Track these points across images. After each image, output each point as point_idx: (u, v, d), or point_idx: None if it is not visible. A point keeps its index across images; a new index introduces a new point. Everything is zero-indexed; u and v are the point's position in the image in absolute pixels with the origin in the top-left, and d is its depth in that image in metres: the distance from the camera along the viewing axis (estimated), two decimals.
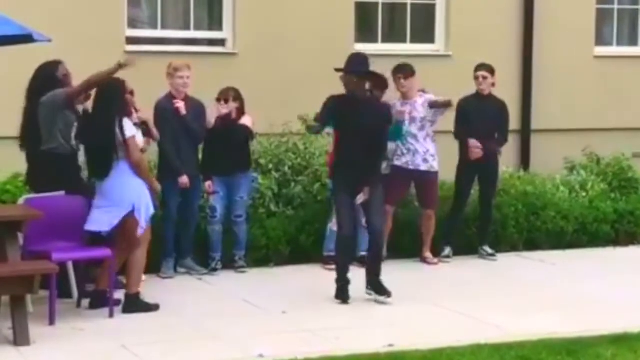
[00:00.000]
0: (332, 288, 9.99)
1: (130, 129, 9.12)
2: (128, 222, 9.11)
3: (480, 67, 11.77)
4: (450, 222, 11.81)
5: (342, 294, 9.79)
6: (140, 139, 9.32)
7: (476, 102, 11.62)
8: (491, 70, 11.75)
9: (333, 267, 10.83)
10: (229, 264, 10.90)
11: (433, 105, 11.28)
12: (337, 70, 10.15)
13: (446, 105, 11.28)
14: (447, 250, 11.70)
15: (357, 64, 10.07)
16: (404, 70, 11.55)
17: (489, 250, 11.81)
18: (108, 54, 10.85)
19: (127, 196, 9.11)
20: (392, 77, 11.34)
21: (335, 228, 10.89)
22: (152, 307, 9.26)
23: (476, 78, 11.70)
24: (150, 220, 9.34)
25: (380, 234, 10.07)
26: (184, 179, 10.43)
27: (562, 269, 11.48)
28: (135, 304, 9.21)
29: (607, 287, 10.49)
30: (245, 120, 10.83)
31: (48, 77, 9.65)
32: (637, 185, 13.48)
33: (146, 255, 9.34)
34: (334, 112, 9.96)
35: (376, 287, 9.83)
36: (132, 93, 9.46)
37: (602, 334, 8.52)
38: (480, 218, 11.98)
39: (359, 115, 9.78)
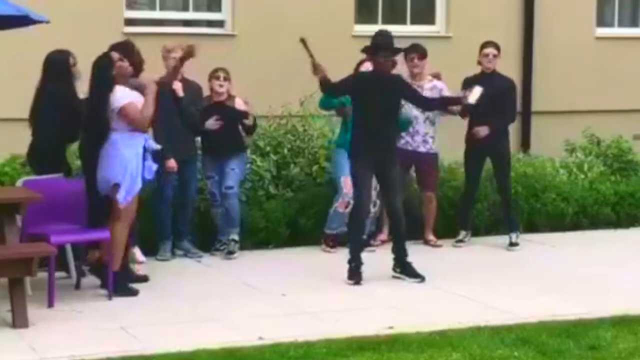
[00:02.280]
0: (332, 270, 10.11)
1: (120, 98, 9.15)
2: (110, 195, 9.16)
3: (488, 44, 11.68)
4: (462, 205, 11.80)
5: (356, 276, 9.84)
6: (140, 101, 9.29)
7: (483, 79, 11.33)
8: (498, 48, 11.67)
9: (333, 249, 10.89)
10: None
11: (447, 102, 11.12)
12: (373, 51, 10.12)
13: (458, 103, 11.02)
14: (462, 235, 11.68)
15: (390, 44, 10.14)
16: (419, 51, 11.54)
17: (513, 239, 11.61)
18: (106, 36, 10.87)
19: (111, 169, 9.11)
20: (403, 56, 11.31)
21: (341, 209, 10.92)
22: (133, 292, 9.23)
23: (485, 55, 11.58)
24: (138, 197, 9.34)
25: (401, 214, 10.12)
26: (171, 163, 10.38)
27: (563, 252, 11.49)
28: (117, 283, 9.18)
29: (608, 270, 10.49)
30: (239, 104, 10.79)
31: (62, 64, 9.77)
32: (638, 167, 13.53)
33: (127, 232, 9.31)
34: (357, 87, 10.04)
35: (407, 269, 9.96)
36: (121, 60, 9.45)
37: (603, 316, 8.54)
38: (500, 204, 11.91)
39: (383, 92, 9.90)
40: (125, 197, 9.10)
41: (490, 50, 11.60)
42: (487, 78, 11.33)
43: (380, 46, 10.07)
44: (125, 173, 9.09)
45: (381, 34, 10.32)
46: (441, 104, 11.01)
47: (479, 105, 10.39)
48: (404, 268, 9.98)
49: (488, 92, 10.56)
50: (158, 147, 9.41)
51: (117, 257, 9.21)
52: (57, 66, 9.78)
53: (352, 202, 10.69)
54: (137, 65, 9.47)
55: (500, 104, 11.41)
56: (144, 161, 9.22)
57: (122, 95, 9.17)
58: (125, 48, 9.50)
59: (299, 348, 7.54)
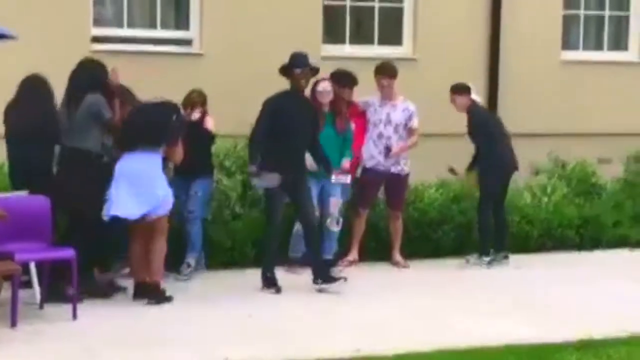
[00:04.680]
0: (298, 290, 10.16)
1: None
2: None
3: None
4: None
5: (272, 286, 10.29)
6: None
7: None
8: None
9: (298, 270, 10.87)
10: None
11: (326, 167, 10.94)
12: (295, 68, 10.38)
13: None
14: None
15: (305, 61, 10.48)
16: (388, 71, 11.62)
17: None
18: (74, 53, 10.81)
19: (159, 187, 9.57)
20: (374, 76, 11.51)
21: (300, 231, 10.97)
22: (168, 299, 9.64)
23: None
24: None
25: (314, 224, 10.55)
26: None
27: (527, 273, 11.52)
28: (154, 293, 9.59)
29: (572, 291, 10.58)
30: (208, 124, 10.76)
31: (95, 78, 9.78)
32: (602, 190, 13.57)
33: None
34: (274, 109, 10.33)
35: (327, 277, 10.28)
36: None
37: (567, 340, 8.57)
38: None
39: (297, 112, 10.31)
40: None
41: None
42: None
43: (295, 64, 10.36)
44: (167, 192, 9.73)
45: (298, 54, 10.58)
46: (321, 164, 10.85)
47: None
48: (324, 277, 10.19)
49: None
50: None
51: (159, 270, 9.74)
52: (34, 87, 9.78)
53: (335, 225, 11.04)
54: None
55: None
56: None
57: None
58: None
59: None
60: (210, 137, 10.77)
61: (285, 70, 10.42)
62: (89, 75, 9.81)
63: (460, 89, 11.81)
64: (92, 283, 9.73)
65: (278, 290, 10.17)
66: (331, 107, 11.13)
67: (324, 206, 11.18)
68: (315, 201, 10.92)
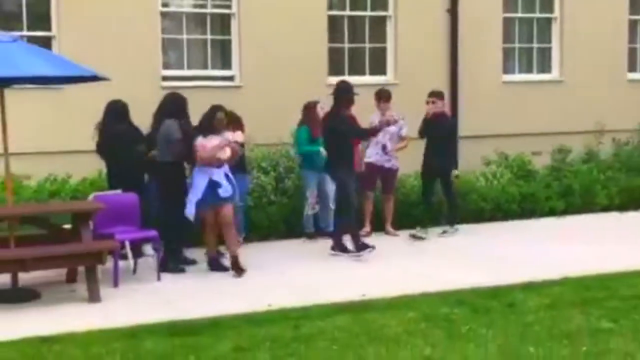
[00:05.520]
0: (315, 253, 10.23)
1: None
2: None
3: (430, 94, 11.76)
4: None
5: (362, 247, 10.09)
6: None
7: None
8: (437, 95, 11.77)
9: (313, 241, 10.98)
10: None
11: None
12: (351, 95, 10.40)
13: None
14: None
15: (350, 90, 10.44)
16: (385, 94, 11.71)
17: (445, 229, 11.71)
18: (150, 88, 10.91)
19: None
20: (375, 99, 11.66)
21: (310, 212, 11.13)
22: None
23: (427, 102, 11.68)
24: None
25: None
26: None
27: (483, 237, 11.53)
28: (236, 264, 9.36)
29: (517, 249, 10.59)
30: (238, 137, 10.32)
31: (175, 105, 9.73)
32: (535, 174, 13.58)
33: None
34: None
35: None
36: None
37: (516, 283, 8.63)
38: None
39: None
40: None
41: (429, 99, 11.66)
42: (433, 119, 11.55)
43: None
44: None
45: (347, 82, 10.62)
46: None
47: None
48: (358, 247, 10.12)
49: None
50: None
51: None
52: (117, 110, 9.82)
53: (316, 207, 11.14)
54: None
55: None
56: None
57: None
58: None
59: (297, 312, 7.58)
60: (241, 146, 10.49)
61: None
62: (168, 105, 9.74)
63: (441, 95, 11.77)
64: (177, 259, 9.62)
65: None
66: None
67: (325, 194, 11.23)
68: (315, 188, 11.07)
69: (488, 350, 6.40)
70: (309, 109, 11.21)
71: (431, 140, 11.61)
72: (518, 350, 6.39)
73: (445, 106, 11.80)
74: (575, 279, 8.78)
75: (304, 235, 11.26)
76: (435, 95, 11.72)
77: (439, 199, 11.97)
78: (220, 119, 9.57)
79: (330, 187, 11.08)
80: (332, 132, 10.27)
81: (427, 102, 11.63)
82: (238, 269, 9.27)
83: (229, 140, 9.60)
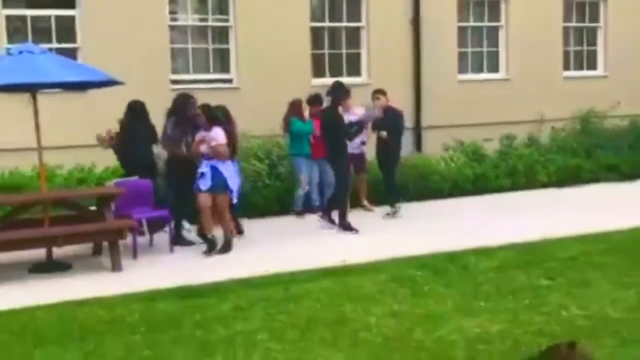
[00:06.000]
0: (303, 229, 10.15)
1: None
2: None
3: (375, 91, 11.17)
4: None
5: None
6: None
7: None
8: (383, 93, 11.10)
9: (301, 216, 10.94)
10: None
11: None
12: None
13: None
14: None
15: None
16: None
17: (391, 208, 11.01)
18: (160, 91, 10.86)
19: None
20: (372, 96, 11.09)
21: (301, 193, 11.03)
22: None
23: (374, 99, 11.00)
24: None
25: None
26: None
27: (442, 212, 11.41)
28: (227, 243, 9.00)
29: (471, 220, 10.53)
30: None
31: (181, 105, 9.57)
32: (486, 158, 13.48)
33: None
34: None
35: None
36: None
37: (468, 248, 8.60)
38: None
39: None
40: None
41: (375, 95, 11.04)
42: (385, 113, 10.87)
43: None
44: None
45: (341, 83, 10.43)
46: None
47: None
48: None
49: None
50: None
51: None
52: (137, 109, 9.77)
53: (306, 188, 11.02)
54: None
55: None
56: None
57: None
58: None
59: (287, 276, 7.60)
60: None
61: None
62: (173, 104, 9.64)
63: (384, 92, 11.10)
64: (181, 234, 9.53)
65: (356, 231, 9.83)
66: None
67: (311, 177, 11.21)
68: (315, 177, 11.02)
69: (446, 306, 6.46)
70: (296, 105, 11.14)
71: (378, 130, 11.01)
72: (471, 305, 6.45)
73: (388, 101, 11.08)
74: (520, 244, 8.80)
75: (292, 212, 11.22)
76: (379, 92, 11.11)
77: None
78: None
79: (315, 172, 11.13)
80: (330, 126, 10.08)
81: (373, 99, 11.02)
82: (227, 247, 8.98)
83: (203, 136, 8.93)
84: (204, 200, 8.88)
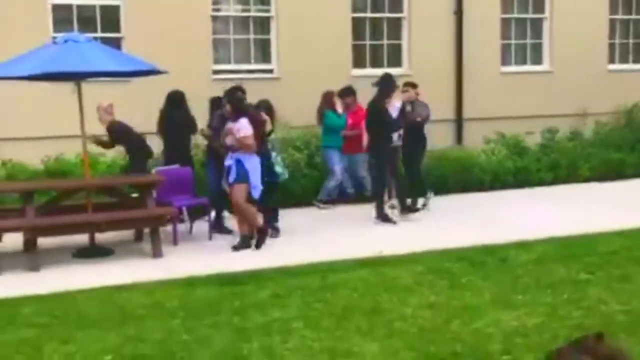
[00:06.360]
0: (335, 217, 10.19)
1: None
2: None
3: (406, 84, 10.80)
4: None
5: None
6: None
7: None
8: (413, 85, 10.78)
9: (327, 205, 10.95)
10: None
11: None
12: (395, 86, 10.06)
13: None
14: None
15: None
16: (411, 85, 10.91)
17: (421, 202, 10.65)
18: (201, 82, 10.94)
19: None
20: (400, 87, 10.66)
21: (333, 184, 11.02)
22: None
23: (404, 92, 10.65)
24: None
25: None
26: None
27: (482, 204, 11.35)
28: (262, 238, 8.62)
29: (512, 213, 10.49)
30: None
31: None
32: (528, 151, 13.40)
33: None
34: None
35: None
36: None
37: (508, 242, 8.53)
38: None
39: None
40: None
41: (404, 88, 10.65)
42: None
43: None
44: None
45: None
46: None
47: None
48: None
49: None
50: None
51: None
52: (176, 99, 9.86)
53: (339, 180, 10.96)
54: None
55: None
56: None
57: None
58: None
59: (324, 265, 7.63)
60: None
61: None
62: (215, 98, 9.67)
63: (414, 84, 10.74)
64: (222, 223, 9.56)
65: (395, 222, 9.78)
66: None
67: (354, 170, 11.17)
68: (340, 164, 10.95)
69: (483, 298, 6.42)
70: (329, 97, 11.13)
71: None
72: (509, 298, 6.41)
73: (418, 95, 10.67)
74: (560, 238, 8.72)
75: (317, 202, 11.05)
76: (409, 84, 10.78)
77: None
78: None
79: (345, 165, 11.09)
80: (374, 118, 9.91)
81: (403, 91, 10.62)
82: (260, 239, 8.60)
83: (229, 127, 8.59)
84: (233, 195, 8.52)
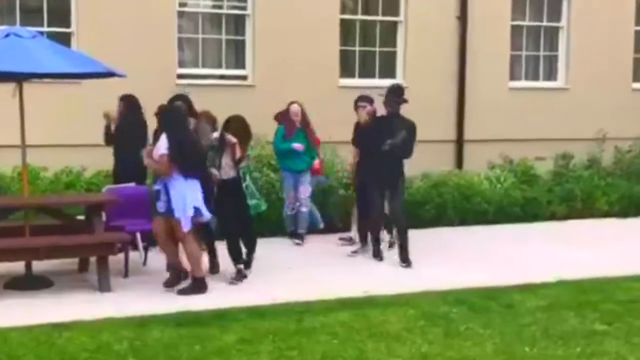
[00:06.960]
0: (318, 251, 10.11)
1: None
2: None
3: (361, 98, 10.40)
4: None
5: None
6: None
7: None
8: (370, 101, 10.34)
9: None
10: None
11: None
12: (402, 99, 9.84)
13: None
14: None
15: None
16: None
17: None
18: (164, 86, 10.95)
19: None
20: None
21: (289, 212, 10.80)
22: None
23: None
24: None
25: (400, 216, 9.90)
26: None
27: (484, 239, 11.45)
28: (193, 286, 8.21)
29: (517, 251, 10.54)
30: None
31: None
32: (538, 179, 13.55)
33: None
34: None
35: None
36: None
37: (514, 284, 8.60)
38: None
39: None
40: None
41: (360, 104, 10.27)
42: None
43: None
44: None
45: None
46: None
47: None
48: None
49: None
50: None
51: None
52: (135, 103, 9.85)
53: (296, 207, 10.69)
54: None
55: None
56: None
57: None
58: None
59: (300, 306, 7.61)
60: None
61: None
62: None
63: (371, 99, 10.36)
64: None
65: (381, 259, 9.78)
66: (301, 123, 10.79)
67: (297, 193, 10.77)
68: (292, 190, 10.65)
69: (484, 349, 6.43)
70: (285, 109, 10.85)
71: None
72: (514, 350, 6.43)
73: (375, 110, 10.27)
74: (572, 281, 8.76)
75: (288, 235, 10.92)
76: (364, 99, 10.38)
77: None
78: None
79: (302, 190, 10.72)
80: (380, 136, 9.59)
81: (356, 108, 10.33)
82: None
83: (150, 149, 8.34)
84: (156, 225, 8.28)
